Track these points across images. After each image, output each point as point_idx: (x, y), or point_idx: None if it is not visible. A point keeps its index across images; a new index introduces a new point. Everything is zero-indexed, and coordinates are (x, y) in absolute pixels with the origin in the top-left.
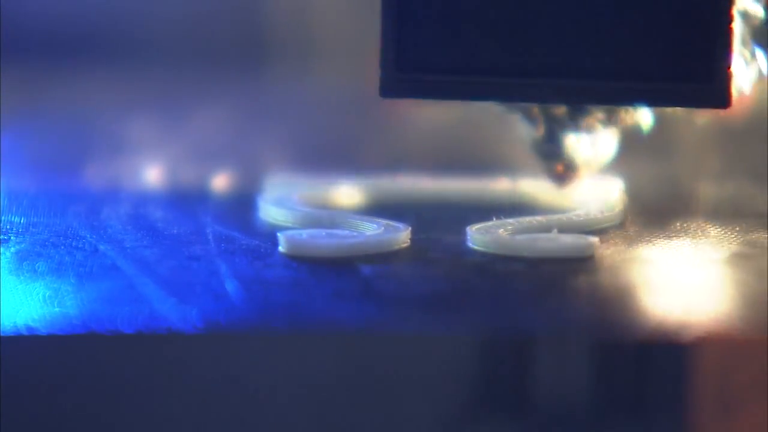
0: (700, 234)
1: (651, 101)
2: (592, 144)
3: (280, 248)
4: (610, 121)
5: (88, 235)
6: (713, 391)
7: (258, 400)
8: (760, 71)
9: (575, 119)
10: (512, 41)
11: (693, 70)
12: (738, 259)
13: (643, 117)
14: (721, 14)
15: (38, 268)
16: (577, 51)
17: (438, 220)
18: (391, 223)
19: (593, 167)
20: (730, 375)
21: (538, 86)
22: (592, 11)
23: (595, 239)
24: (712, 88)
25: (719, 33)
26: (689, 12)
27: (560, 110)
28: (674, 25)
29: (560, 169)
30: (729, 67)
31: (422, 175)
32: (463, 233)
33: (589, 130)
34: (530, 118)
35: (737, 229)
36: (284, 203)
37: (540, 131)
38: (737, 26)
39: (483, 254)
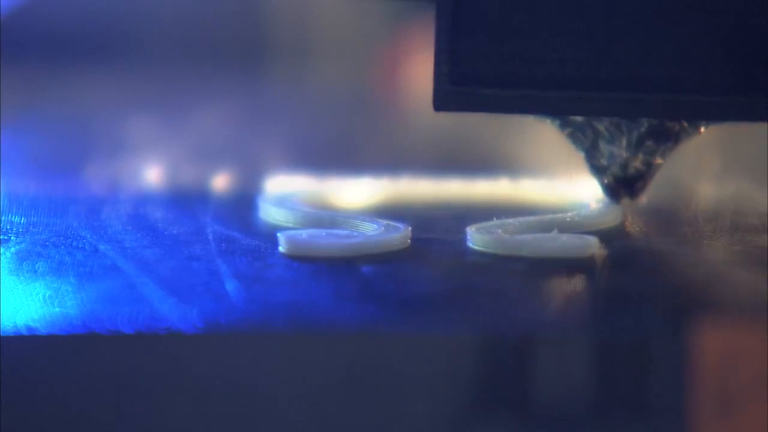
0: (700, 234)
1: (706, 114)
2: (643, 157)
3: (280, 248)
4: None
5: (88, 235)
6: (713, 391)
7: (258, 399)
8: None
9: (625, 133)
10: (567, 55)
11: (750, 83)
12: (738, 258)
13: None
14: None
15: (38, 268)
16: (633, 65)
17: (438, 220)
18: (391, 223)
19: (646, 180)
20: (730, 374)
21: (594, 100)
22: (647, 25)
23: (595, 239)
24: (765, 100)
25: None
26: (743, 27)
27: (606, 125)
28: (728, 39)
29: (610, 182)
30: None
31: (422, 175)
32: (463, 233)
33: (640, 144)
34: (581, 133)
35: (737, 229)
36: (284, 203)
37: (588, 145)
38: None
39: (483, 254)
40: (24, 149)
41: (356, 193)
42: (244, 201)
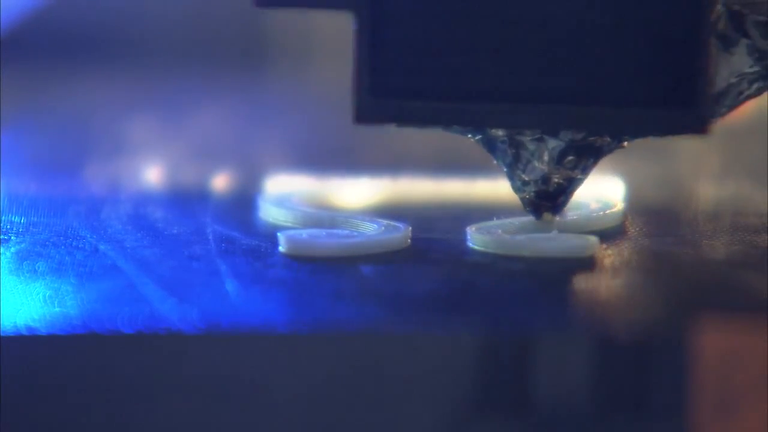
0: (700, 234)
1: (629, 127)
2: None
3: (280, 248)
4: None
5: (88, 235)
6: (714, 391)
7: (258, 399)
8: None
9: (547, 148)
10: (488, 67)
11: (671, 96)
12: (738, 258)
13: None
14: (699, 40)
15: (38, 268)
16: (555, 77)
17: (438, 220)
18: (391, 223)
19: (567, 195)
20: (730, 374)
21: (514, 112)
22: (569, 37)
23: (595, 239)
24: (691, 114)
25: (698, 58)
26: (668, 38)
27: (528, 137)
28: (653, 51)
29: (531, 197)
30: (707, 93)
31: (422, 175)
32: (463, 233)
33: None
34: (503, 148)
35: (737, 229)
36: (284, 203)
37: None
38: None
39: (483, 254)
40: (24, 149)
41: (356, 193)
42: (244, 201)
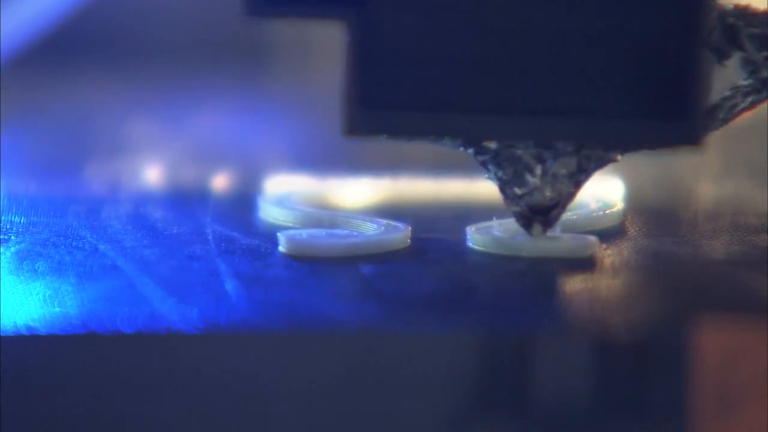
0: (700, 234)
1: (621, 139)
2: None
3: (280, 248)
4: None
5: (88, 235)
6: (713, 391)
7: (258, 399)
8: None
9: (540, 161)
10: (480, 79)
11: (664, 109)
12: (738, 258)
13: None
14: (692, 52)
15: (38, 267)
16: (547, 89)
17: (438, 220)
18: (391, 223)
19: (560, 209)
20: (730, 374)
21: (506, 124)
22: (561, 49)
23: (595, 239)
24: (684, 127)
25: (691, 71)
26: (661, 51)
27: (521, 150)
28: (646, 63)
29: (524, 210)
30: (701, 105)
31: (422, 175)
32: (463, 233)
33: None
34: (495, 162)
35: (737, 229)
36: (284, 203)
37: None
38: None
39: (483, 254)
40: (24, 149)
41: (356, 193)
42: (244, 201)
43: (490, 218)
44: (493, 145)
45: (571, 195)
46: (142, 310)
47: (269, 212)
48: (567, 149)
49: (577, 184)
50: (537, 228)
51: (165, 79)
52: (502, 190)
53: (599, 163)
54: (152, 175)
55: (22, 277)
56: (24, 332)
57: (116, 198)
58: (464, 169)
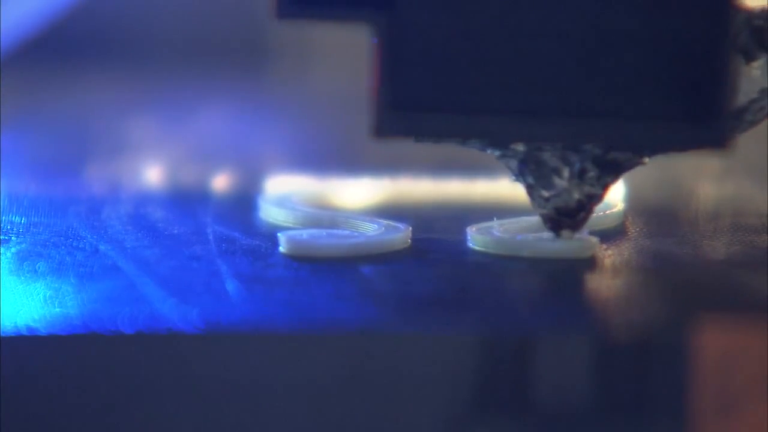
0: (700, 234)
1: (648, 141)
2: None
3: (281, 248)
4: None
5: (88, 236)
6: (714, 391)
7: (258, 399)
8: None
9: (568, 164)
10: (508, 80)
11: (692, 111)
12: (738, 258)
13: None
14: (720, 54)
15: (39, 268)
16: (575, 91)
17: (438, 220)
18: (391, 223)
19: (588, 211)
20: (730, 375)
21: (534, 126)
22: (589, 50)
23: (595, 239)
24: (711, 129)
25: (718, 73)
26: (689, 53)
27: (549, 152)
28: (674, 65)
29: (552, 213)
30: (728, 108)
31: (422, 175)
32: (463, 233)
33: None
34: (523, 164)
35: (737, 229)
36: (284, 203)
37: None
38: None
39: (483, 254)
40: (24, 149)
41: (356, 193)
42: (244, 201)
43: (490, 218)
44: (520, 147)
45: (599, 197)
46: (143, 310)
47: (270, 212)
48: (595, 151)
49: (605, 187)
50: (566, 232)
51: (165, 79)
52: (530, 193)
53: (626, 166)
54: (153, 175)
55: (22, 278)
56: (24, 332)
57: (117, 198)
58: (464, 169)
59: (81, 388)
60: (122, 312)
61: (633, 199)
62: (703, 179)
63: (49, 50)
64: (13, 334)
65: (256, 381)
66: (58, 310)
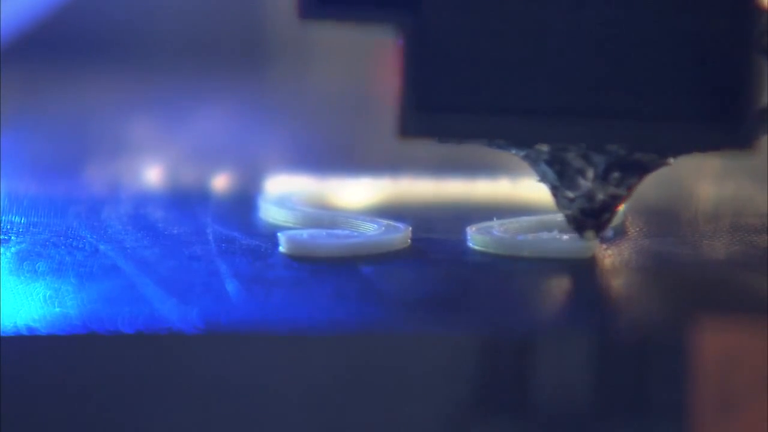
0: (700, 234)
1: (673, 142)
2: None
3: (281, 248)
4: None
5: (88, 236)
6: (714, 391)
7: (258, 399)
8: None
9: (593, 165)
10: (532, 81)
11: (716, 112)
12: (738, 258)
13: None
14: (744, 55)
15: (39, 268)
16: (600, 92)
17: (438, 220)
18: (392, 223)
19: (612, 212)
20: (730, 375)
21: (559, 127)
22: (613, 51)
23: (595, 239)
24: (735, 130)
25: (743, 74)
26: (713, 54)
27: (573, 153)
28: (698, 66)
29: (576, 214)
30: (752, 109)
31: (422, 175)
32: (463, 233)
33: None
34: (548, 166)
35: (737, 229)
36: (284, 203)
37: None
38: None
39: (483, 254)
40: (24, 149)
41: (356, 193)
42: (244, 201)
43: (490, 218)
44: (545, 147)
45: (623, 198)
46: (143, 310)
47: (270, 212)
48: (620, 152)
49: (629, 188)
50: (590, 232)
51: (165, 79)
52: (554, 193)
53: (650, 167)
54: (152, 175)
55: (22, 278)
56: (24, 332)
57: (117, 198)
58: (464, 169)
59: (81, 388)
60: (122, 312)
61: (633, 199)
62: (703, 179)
63: (50, 50)
64: (13, 334)
65: (256, 381)
66: (58, 310)
